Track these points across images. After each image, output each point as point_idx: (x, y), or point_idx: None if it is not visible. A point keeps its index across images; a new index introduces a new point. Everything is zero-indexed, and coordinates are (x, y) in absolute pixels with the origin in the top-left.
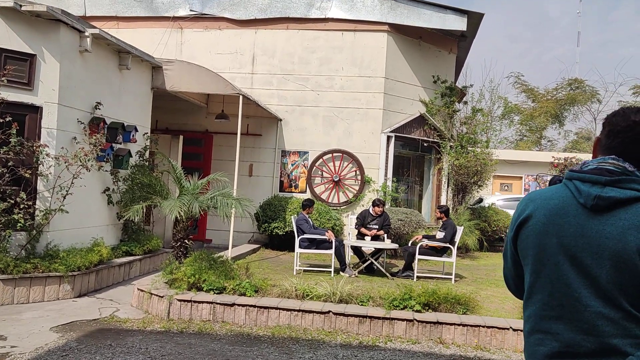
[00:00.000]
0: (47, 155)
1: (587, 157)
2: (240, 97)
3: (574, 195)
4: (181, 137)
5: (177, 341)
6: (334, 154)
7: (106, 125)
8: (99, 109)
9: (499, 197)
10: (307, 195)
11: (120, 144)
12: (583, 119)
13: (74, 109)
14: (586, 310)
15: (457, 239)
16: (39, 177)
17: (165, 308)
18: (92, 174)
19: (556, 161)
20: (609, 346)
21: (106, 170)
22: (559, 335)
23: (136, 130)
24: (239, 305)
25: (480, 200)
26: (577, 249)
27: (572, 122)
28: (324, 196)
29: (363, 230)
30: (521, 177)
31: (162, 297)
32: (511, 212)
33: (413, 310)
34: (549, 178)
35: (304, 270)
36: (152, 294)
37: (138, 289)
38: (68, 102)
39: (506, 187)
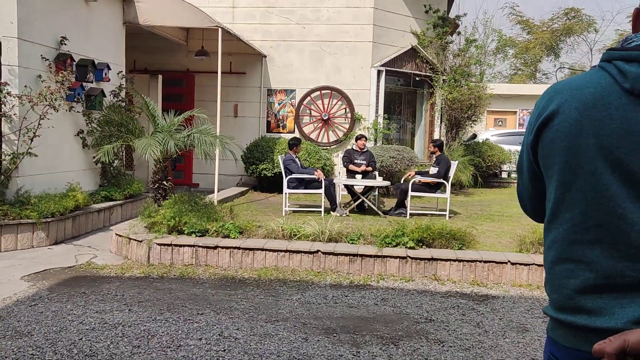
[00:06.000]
0: (8, 94)
1: None
2: (220, 30)
3: (616, 80)
4: (160, 76)
5: (156, 287)
6: (322, 92)
7: (74, 63)
8: (65, 44)
9: (493, 133)
10: (296, 135)
11: (92, 83)
12: (579, 50)
13: (37, 44)
14: (633, 230)
15: (452, 174)
16: (2, 119)
17: (144, 253)
18: (63, 115)
19: None
20: None
21: (78, 112)
22: (594, 264)
23: (109, 68)
24: (222, 247)
25: (474, 136)
26: (622, 150)
27: (568, 54)
28: (313, 136)
29: (352, 166)
30: (515, 112)
31: (140, 241)
32: (506, 147)
33: (406, 247)
34: None
35: (294, 211)
36: (130, 238)
37: (116, 234)
38: (29, 36)
39: (500, 123)
